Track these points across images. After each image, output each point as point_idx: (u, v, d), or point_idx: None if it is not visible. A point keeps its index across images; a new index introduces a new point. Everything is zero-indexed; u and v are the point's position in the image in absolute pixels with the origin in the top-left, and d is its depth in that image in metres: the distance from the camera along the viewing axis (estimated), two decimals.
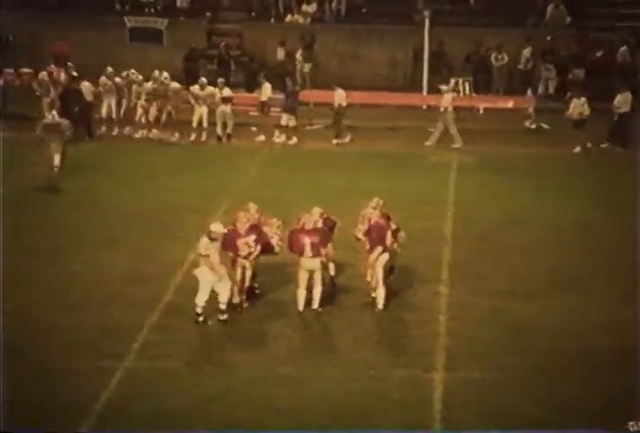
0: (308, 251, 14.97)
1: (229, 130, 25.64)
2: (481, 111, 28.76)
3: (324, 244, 15.11)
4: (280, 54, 30.97)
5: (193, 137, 25.61)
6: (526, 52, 30.42)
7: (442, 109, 25.49)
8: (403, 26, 31.13)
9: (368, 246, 15.25)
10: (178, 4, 32.91)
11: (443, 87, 26.08)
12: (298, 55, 30.98)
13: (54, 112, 23.01)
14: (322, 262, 15.15)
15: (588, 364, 13.60)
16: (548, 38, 30.39)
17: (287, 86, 26.37)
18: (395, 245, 15.36)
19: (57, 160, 21.58)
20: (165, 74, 25.89)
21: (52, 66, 26.91)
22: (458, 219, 19.58)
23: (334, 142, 25.65)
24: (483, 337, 14.36)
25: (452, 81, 30.28)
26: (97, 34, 31.41)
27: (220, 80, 26.12)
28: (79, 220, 19.18)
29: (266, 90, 26.34)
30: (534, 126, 27.30)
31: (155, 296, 15.63)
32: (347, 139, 25.79)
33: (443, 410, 12.47)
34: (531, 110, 27.52)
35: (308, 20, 32.39)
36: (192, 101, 25.56)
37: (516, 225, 19.14)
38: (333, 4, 32.63)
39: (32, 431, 11.83)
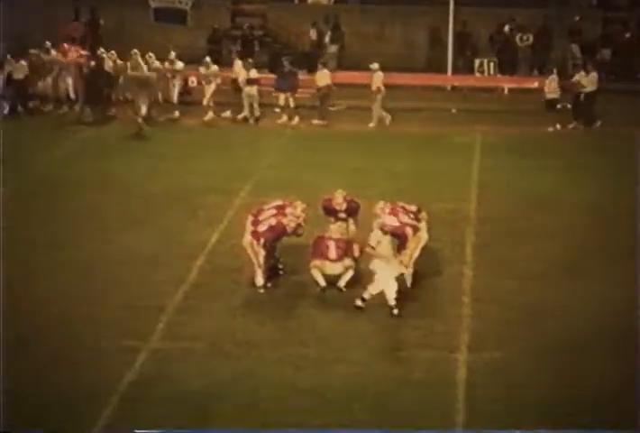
0: (333, 254, 15.07)
1: (256, 113, 25.63)
2: (506, 91, 28.57)
3: (350, 246, 15.27)
4: (313, 35, 30.89)
5: (208, 116, 25.62)
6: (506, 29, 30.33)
7: (373, 88, 25.29)
8: (427, 7, 30.90)
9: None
10: None
11: (374, 66, 25.87)
12: (327, 36, 30.88)
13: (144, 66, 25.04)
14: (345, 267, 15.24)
15: (610, 346, 13.57)
16: (576, 18, 30.15)
17: (283, 66, 26.19)
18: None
19: (144, 110, 24.00)
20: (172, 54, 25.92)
21: (65, 45, 26.85)
22: (482, 201, 19.51)
23: (314, 122, 25.40)
24: (507, 319, 14.35)
25: (477, 61, 30.14)
26: (121, 14, 31.35)
27: (248, 61, 26.09)
28: (105, 201, 19.21)
29: (238, 67, 26.20)
30: (559, 106, 27.14)
31: (179, 277, 15.68)
32: (325, 122, 25.46)
33: (467, 391, 12.48)
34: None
35: (332, 0, 32.24)
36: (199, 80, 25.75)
37: (541, 207, 19.05)
38: None
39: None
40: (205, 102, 25.69)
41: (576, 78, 25.44)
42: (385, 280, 14.42)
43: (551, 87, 26.11)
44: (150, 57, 25.97)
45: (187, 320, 14.32)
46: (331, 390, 12.50)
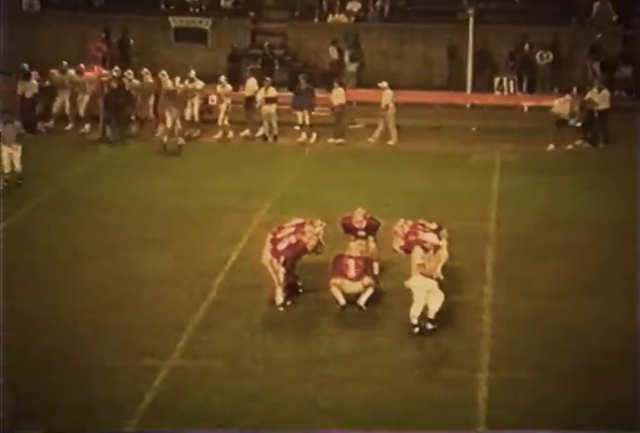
0: (352, 272, 15.06)
1: (275, 131, 25.71)
2: (526, 109, 28.55)
3: (370, 264, 15.28)
4: (333, 53, 31.00)
5: (219, 135, 25.74)
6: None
7: (382, 106, 25.34)
8: (447, 25, 30.99)
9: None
10: (222, 3, 32.99)
11: (382, 84, 25.92)
12: (346, 55, 30.99)
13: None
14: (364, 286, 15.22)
15: (631, 366, 13.46)
16: (598, 36, 30.14)
17: (300, 83, 26.27)
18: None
19: (170, 124, 24.59)
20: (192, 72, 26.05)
21: (82, 65, 27.00)
22: (501, 219, 19.48)
23: (330, 140, 25.48)
24: (527, 338, 14.28)
25: (497, 80, 30.16)
26: (143, 35, 31.56)
27: (267, 80, 26.19)
28: (125, 220, 19.29)
29: (251, 85, 26.28)
30: (579, 125, 27.08)
31: (199, 295, 15.70)
32: (340, 140, 25.49)
33: (488, 411, 12.42)
34: (576, 108, 27.30)
35: (352, 19, 32.37)
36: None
37: (560, 225, 19.00)
38: (377, 3, 32.57)
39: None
40: (219, 122, 25.76)
41: (588, 95, 25.32)
42: (425, 297, 14.25)
43: (564, 107, 25.37)
44: (163, 75, 26.10)
45: (206, 338, 14.32)
46: (351, 408, 12.45)
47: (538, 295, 15.74)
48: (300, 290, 15.76)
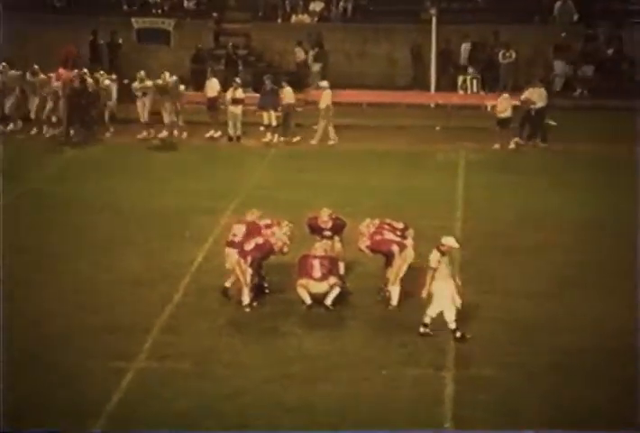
0: (317, 272, 15.10)
1: (238, 131, 25.70)
2: (489, 108, 28.67)
3: (335, 263, 15.31)
4: (300, 54, 31.00)
5: (164, 134, 25.73)
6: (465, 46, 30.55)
7: (323, 106, 25.36)
8: (410, 24, 31.08)
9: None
10: (185, 4, 32.91)
11: (323, 84, 26.00)
12: (310, 55, 31.01)
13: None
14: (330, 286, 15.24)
15: (598, 363, 13.56)
16: (563, 34, 30.33)
17: (265, 84, 26.25)
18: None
19: (167, 118, 24.95)
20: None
21: (61, 70, 26.84)
22: (467, 218, 19.55)
23: (280, 139, 25.47)
24: (494, 336, 14.34)
25: (460, 79, 30.28)
26: (105, 36, 31.39)
27: (236, 81, 26.12)
28: (90, 222, 19.19)
29: (212, 86, 26.26)
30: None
31: (165, 297, 15.64)
32: (296, 138, 25.57)
33: (454, 409, 12.46)
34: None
35: (315, 19, 32.40)
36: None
37: (526, 224, 19.09)
38: (340, 3, 32.62)
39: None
40: (165, 120, 25.64)
41: (525, 94, 25.28)
42: (444, 302, 14.18)
43: (502, 106, 25.29)
44: (101, 75, 25.92)
45: (173, 340, 14.27)
46: (318, 408, 12.46)
47: (505, 293, 15.80)
48: (267, 291, 15.74)
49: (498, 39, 30.64)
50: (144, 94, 25.58)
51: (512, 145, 24.98)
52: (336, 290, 15.23)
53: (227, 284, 15.43)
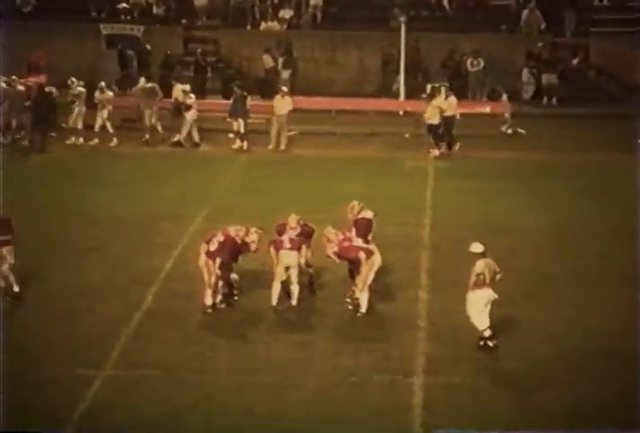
0: (287, 243, 15.06)
1: (196, 138, 25.74)
2: (458, 116, 28.79)
3: (303, 240, 15.31)
4: (268, 61, 31.01)
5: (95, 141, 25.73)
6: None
7: (281, 113, 25.50)
8: (380, 32, 31.17)
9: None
10: (154, 10, 32.84)
11: (284, 89, 26.22)
12: (279, 62, 31.03)
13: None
14: (299, 262, 15.24)
15: (569, 369, 13.65)
16: (539, 44, 30.53)
17: (234, 91, 26.26)
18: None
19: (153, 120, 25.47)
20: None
21: (30, 79, 26.74)
22: (436, 224, 19.61)
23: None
24: (463, 342, 14.36)
25: (429, 87, 30.36)
26: (73, 42, 31.25)
27: (185, 87, 26.05)
28: (57, 229, 19.08)
29: (176, 92, 26.30)
30: (510, 131, 27.40)
31: (134, 304, 15.58)
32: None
33: (423, 415, 12.48)
34: (507, 115, 27.63)
35: (284, 26, 32.42)
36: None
37: (494, 230, 19.13)
38: (310, 10, 32.66)
39: None
40: (95, 128, 25.60)
41: (433, 102, 25.23)
42: (483, 309, 14.13)
43: (429, 112, 25.05)
44: (72, 82, 25.88)
45: (141, 347, 14.22)
46: (287, 416, 12.45)
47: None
48: (235, 298, 15.72)
49: (466, 47, 30.79)
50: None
51: (435, 153, 25.00)
52: (296, 289, 15.30)
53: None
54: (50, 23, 31.36)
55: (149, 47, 31.14)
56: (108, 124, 25.74)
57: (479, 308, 14.08)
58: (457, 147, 25.24)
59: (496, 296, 14.12)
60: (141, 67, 30.61)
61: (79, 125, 25.71)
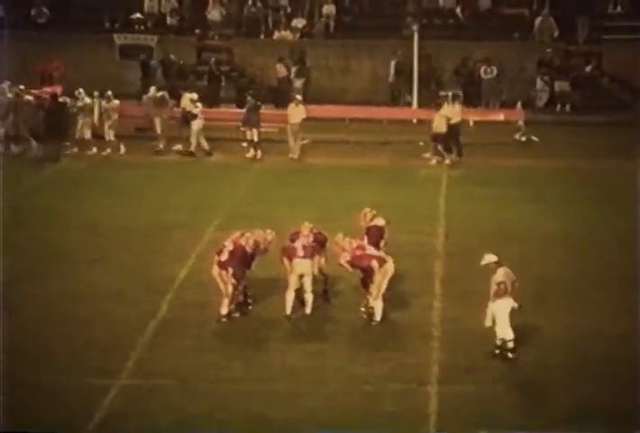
0: (300, 251, 15.10)
1: (205, 147, 25.79)
2: (471, 124, 28.80)
3: (317, 248, 15.36)
4: (281, 70, 31.11)
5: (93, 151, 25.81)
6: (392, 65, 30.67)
7: (293, 121, 25.56)
8: (392, 40, 31.22)
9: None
10: (168, 21, 32.99)
11: (298, 97, 26.32)
12: (292, 71, 31.13)
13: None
14: (313, 270, 15.28)
15: (582, 377, 13.61)
16: (548, 50, 30.54)
17: (248, 101, 26.33)
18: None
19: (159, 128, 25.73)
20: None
21: (45, 89, 26.87)
22: (449, 233, 19.60)
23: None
24: (477, 351, 14.35)
25: (442, 94, 30.37)
26: (87, 52, 31.38)
27: (193, 95, 26.11)
28: (72, 238, 19.15)
29: (185, 102, 26.38)
30: (524, 139, 27.39)
31: (149, 313, 15.62)
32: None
33: (438, 424, 12.47)
34: (521, 123, 27.62)
35: (297, 35, 32.51)
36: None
37: (508, 238, 19.12)
38: (323, 19, 32.74)
39: None
40: (106, 137, 25.73)
41: (440, 110, 25.22)
42: (506, 319, 14.13)
43: (437, 121, 25.00)
44: (79, 93, 25.97)
45: (156, 356, 14.24)
46: (301, 424, 12.44)
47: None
48: (250, 307, 15.74)
49: (479, 55, 30.81)
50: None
51: (433, 161, 25.01)
52: (310, 297, 15.33)
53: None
54: (64, 33, 31.53)
55: (173, 57, 31.22)
56: (111, 133, 25.80)
57: (504, 318, 14.05)
58: (453, 155, 25.12)
59: (516, 305, 14.09)
60: (166, 76, 30.68)
61: (87, 136, 25.77)
